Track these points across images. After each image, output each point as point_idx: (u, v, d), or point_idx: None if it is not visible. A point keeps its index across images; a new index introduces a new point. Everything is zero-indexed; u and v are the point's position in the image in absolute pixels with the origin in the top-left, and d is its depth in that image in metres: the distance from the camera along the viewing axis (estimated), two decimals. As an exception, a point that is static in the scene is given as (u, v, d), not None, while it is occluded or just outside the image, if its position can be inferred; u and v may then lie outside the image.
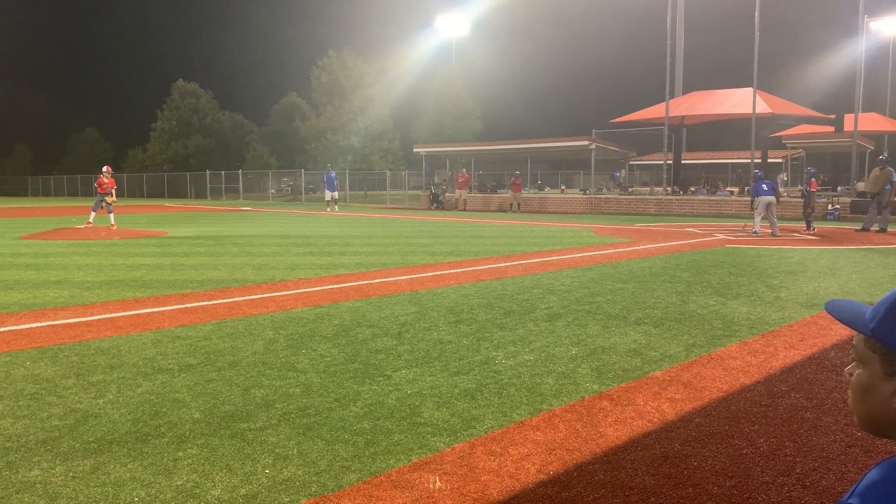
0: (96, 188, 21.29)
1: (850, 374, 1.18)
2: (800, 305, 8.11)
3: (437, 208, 36.25)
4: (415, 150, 42.68)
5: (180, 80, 68.70)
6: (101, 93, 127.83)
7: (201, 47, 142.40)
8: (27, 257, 13.15)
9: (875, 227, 18.67)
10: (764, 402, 4.64)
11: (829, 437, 4.05)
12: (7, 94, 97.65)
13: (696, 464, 3.67)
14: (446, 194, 37.55)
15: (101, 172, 21.22)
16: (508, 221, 25.27)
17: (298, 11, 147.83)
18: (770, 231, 17.62)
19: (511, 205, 33.40)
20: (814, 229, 18.92)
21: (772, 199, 17.44)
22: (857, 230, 19.10)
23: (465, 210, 34.77)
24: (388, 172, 47.86)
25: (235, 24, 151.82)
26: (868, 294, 8.95)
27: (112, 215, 20.93)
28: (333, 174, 36.15)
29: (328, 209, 34.71)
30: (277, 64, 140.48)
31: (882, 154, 23.05)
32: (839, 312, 1.16)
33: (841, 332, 6.68)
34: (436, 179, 39.28)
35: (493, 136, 59.01)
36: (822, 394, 4.82)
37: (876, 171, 19.67)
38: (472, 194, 37.35)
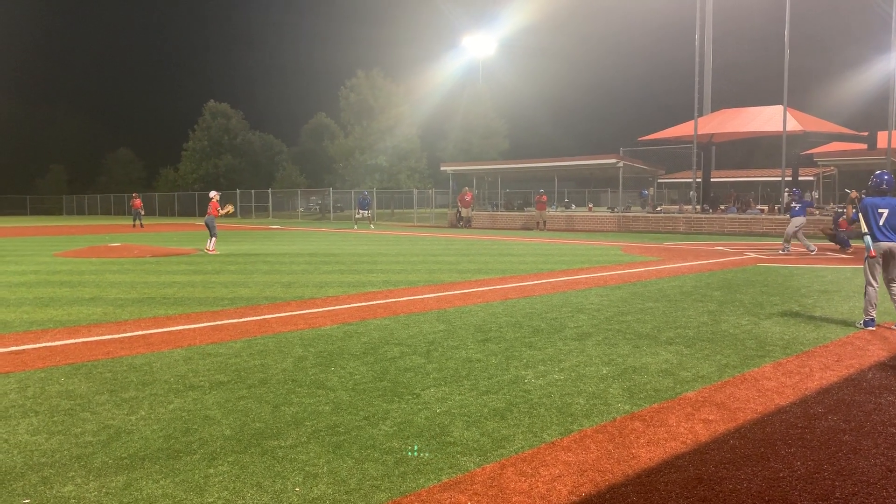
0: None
1: None
2: (835, 325, 7.95)
3: (463, 226, 36.33)
4: (442, 168, 42.95)
5: (211, 100, 69.97)
6: (135, 113, 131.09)
7: (232, 69, 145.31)
8: (62, 275, 13.39)
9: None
10: (800, 425, 4.55)
11: (869, 460, 3.95)
12: (44, 115, 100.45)
13: (731, 486, 3.59)
14: (473, 212, 37.80)
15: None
16: (536, 240, 25.19)
17: (328, 33, 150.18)
18: (804, 249, 17.44)
19: (537, 223, 33.35)
20: (850, 247, 18.67)
21: (801, 220, 17.51)
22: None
23: (469, 227, 35.82)
24: (415, 191, 48.09)
25: (266, 46, 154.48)
26: (906, 314, 8.74)
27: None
28: (368, 200, 39.42)
29: (356, 226, 36.78)
30: (307, 84, 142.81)
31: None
32: None
33: (879, 353, 6.53)
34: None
35: (520, 155, 59.06)
36: (860, 416, 4.70)
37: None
38: (477, 212, 38.18)
